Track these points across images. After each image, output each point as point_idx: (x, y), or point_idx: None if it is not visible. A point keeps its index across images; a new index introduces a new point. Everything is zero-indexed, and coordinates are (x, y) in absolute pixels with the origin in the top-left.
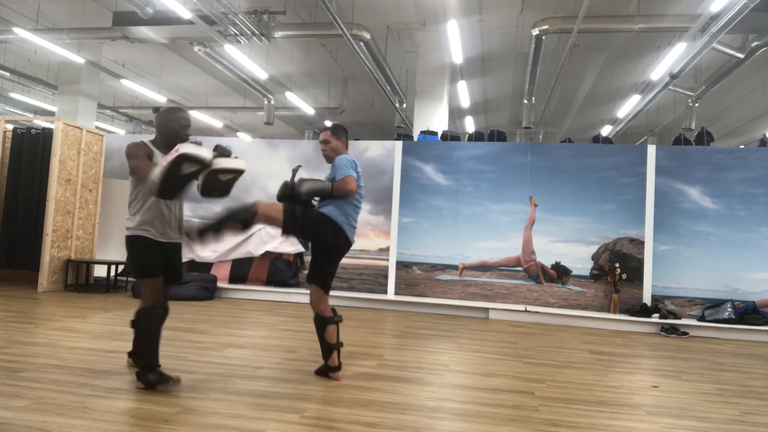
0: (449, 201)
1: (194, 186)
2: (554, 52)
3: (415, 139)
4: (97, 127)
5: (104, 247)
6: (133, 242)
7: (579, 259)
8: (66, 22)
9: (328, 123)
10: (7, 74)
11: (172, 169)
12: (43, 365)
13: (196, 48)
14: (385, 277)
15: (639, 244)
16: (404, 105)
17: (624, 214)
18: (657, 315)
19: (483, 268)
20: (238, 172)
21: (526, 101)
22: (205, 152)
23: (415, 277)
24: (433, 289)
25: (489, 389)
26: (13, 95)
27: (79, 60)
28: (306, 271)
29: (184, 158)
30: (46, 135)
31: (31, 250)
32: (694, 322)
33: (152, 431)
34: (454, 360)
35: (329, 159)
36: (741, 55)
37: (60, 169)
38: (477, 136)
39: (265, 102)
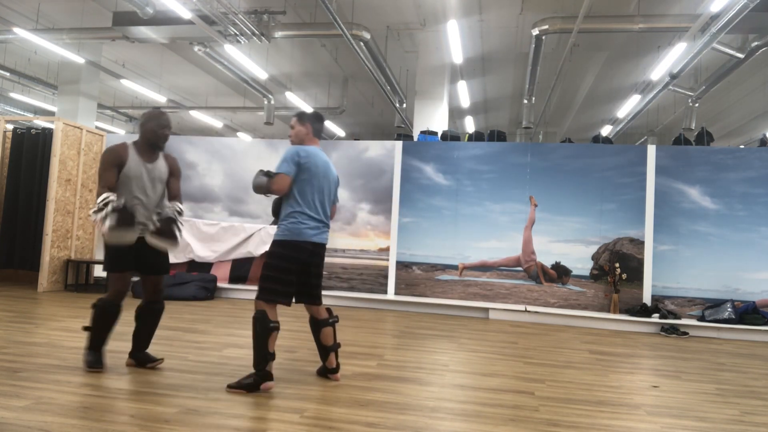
0: (449, 201)
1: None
2: (554, 52)
3: (415, 139)
4: (97, 127)
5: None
6: None
7: (579, 259)
8: (66, 22)
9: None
10: (7, 74)
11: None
12: (43, 365)
13: (196, 48)
14: (385, 277)
15: (639, 244)
16: (404, 105)
17: (624, 214)
18: (657, 315)
19: (483, 268)
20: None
21: (526, 101)
22: (131, 237)
23: (415, 277)
24: (433, 289)
25: (489, 389)
26: (13, 95)
27: (79, 60)
28: None
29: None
30: (46, 135)
31: (31, 250)
32: (694, 322)
33: (152, 431)
34: (454, 360)
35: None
36: (741, 55)
37: (60, 169)
38: (477, 136)
39: (265, 102)
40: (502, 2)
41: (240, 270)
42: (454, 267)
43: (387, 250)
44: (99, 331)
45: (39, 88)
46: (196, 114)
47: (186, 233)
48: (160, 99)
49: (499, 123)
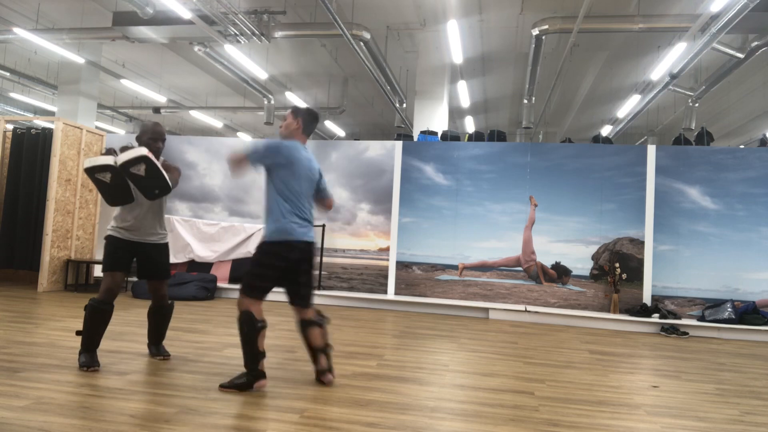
0: (449, 201)
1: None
2: (554, 52)
3: (415, 139)
4: (97, 127)
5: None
6: (105, 240)
7: (579, 259)
8: (66, 22)
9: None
10: (7, 74)
11: (95, 183)
12: (43, 365)
13: (196, 48)
14: (385, 277)
15: (639, 244)
16: (404, 105)
17: (624, 214)
18: (657, 315)
19: (483, 268)
20: (143, 158)
21: (526, 101)
22: (103, 159)
23: (415, 277)
24: (433, 289)
25: (489, 389)
26: (13, 95)
27: (79, 60)
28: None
29: (91, 171)
30: (46, 135)
31: (31, 250)
32: (694, 322)
33: (152, 431)
34: (454, 360)
35: (282, 137)
36: (741, 55)
37: (60, 169)
38: (477, 136)
39: (265, 102)
40: (502, 2)
41: (240, 270)
42: (454, 267)
43: (387, 250)
44: (91, 332)
45: (39, 88)
46: (196, 114)
47: (186, 233)
48: (160, 99)
49: (499, 123)
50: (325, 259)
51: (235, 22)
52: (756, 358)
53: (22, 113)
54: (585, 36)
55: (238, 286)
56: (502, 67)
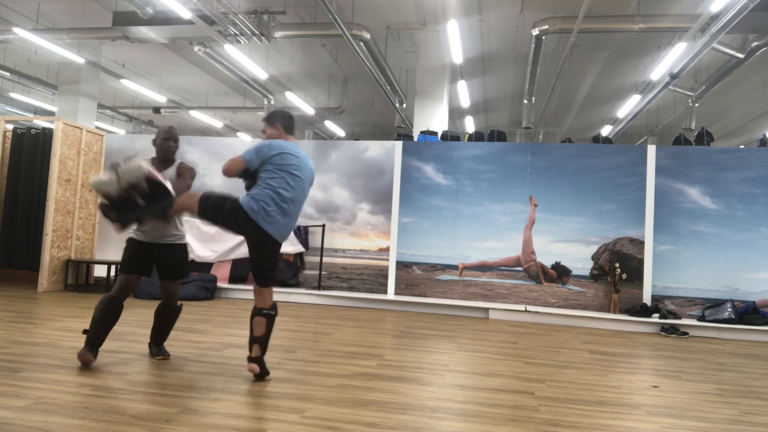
0: (449, 201)
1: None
2: (554, 52)
3: (415, 139)
4: (97, 127)
5: (104, 247)
6: (126, 243)
7: (579, 259)
8: (66, 22)
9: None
10: (7, 74)
11: (104, 208)
12: (43, 365)
13: (196, 48)
14: (385, 277)
15: (639, 244)
16: (404, 105)
17: (624, 214)
18: (657, 315)
19: (483, 268)
20: (142, 172)
21: (526, 101)
22: (106, 175)
23: (415, 277)
24: (433, 289)
25: (489, 389)
26: (13, 95)
27: (79, 60)
28: (306, 271)
29: (97, 186)
30: (46, 135)
31: (31, 250)
32: (694, 322)
33: (152, 431)
34: (454, 360)
35: None
36: (741, 55)
37: (60, 169)
38: (477, 136)
39: (265, 102)
40: (502, 2)
41: (240, 270)
42: (454, 267)
43: (387, 250)
44: (97, 327)
45: (39, 88)
46: (196, 114)
47: (186, 233)
48: (160, 99)
49: (499, 123)
50: (325, 259)
51: (235, 22)
52: (756, 358)
53: (22, 113)
54: (585, 36)
55: (238, 286)
56: (502, 67)
